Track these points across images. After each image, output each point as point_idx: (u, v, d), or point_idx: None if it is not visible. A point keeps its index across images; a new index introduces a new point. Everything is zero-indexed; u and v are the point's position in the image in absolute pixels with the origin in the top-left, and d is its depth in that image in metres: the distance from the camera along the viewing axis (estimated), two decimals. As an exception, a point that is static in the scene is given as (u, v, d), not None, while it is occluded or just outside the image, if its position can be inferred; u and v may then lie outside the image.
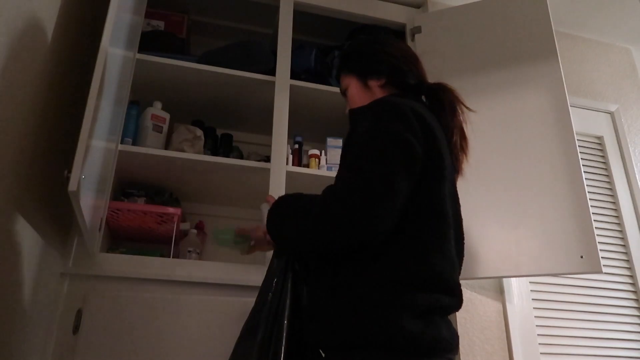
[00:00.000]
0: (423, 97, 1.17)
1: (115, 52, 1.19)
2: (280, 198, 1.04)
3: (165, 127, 1.71)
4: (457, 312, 1.63)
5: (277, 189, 1.60)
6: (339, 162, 1.04)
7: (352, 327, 0.85)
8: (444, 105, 1.10)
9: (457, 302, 0.97)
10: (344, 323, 0.86)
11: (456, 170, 1.09)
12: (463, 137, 1.10)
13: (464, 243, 1.06)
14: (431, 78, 1.90)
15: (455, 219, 1.03)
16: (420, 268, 0.90)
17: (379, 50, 1.17)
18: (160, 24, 1.88)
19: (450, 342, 0.89)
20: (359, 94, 1.16)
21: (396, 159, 0.89)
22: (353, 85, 1.17)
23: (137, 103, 1.71)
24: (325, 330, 0.88)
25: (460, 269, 1.05)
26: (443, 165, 0.97)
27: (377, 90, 1.14)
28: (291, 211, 0.97)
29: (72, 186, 0.91)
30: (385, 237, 0.88)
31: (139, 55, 1.64)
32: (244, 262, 1.54)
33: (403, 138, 0.91)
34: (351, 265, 0.90)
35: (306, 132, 1.97)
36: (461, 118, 1.09)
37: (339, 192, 0.88)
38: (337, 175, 0.97)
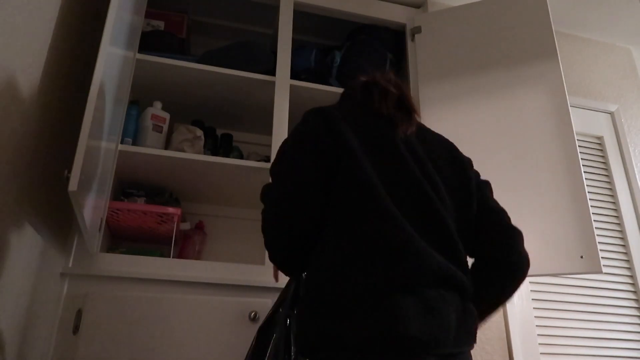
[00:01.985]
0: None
1: (115, 52, 1.19)
2: None
3: (165, 127, 1.71)
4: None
5: (277, 189, 1.60)
6: None
7: (315, 329, 0.83)
8: (362, 94, 1.11)
9: (419, 264, 0.83)
10: (307, 326, 0.86)
11: (400, 130, 1.02)
12: (382, 95, 1.08)
13: (433, 203, 0.93)
14: (431, 78, 1.91)
15: (407, 179, 0.94)
16: (352, 241, 0.85)
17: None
18: (160, 24, 1.88)
19: (415, 338, 0.76)
20: None
21: (295, 148, 0.99)
22: None
23: (137, 103, 1.71)
24: (298, 334, 0.90)
25: (434, 226, 0.92)
26: (346, 142, 0.94)
27: None
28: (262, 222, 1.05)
29: (72, 186, 0.91)
30: (317, 222, 0.92)
31: (139, 55, 1.64)
32: (244, 262, 1.54)
33: (297, 132, 1.01)
34: (310, 265, 0.93)
35: (306, 132, 1.97)
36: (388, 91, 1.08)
37: (265, 200, 1.03)
38: None
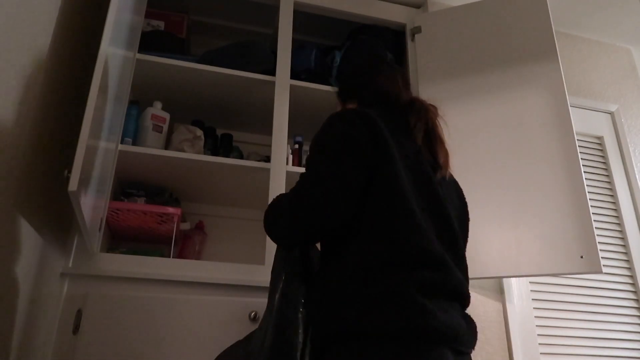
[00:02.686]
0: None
1: (115, 52, 1.19)
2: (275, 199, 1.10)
3: (165, 127, 1.71)
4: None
5: (277, 189, 1.60)
6: None
7: (340, 317, 0.88)
8: (412, 112, 1.17)
9: (444, 277, 0.93)
10: (330, 313, 0.89)
11: (437, 164, 1.13)
12: (433, 139, 1.16)
13: (452, 225, 1.05)
14: (431, 78, 1.91)
15: (432, 200, 1.04)
16: (386, 246, 0.92)
17: (355, 80, 1.28)
18: (160, 24, 1.88)
19: (441, 331, 0.85)
20: None
21: (338, 150, 0.98)
22: (338, 107, 1.30)
23: (137, 103, 1.71)
24: (319, 322, 0.92)
25: (452, 246, 1.03)
26: (388, 149, 1.01)
27: None
28: (272, 209, 1.05)
29: (72, 186, 0.91)
30: (348, 223, 0.95)
31: (139, 55, 1.64)
32: (244, 262, 1.54)
33: (342, 131, 1.01)
34: (333, 257, 0.97)
35: (306, 132, 1.97)
36: (428, 124, 1.16)
37: (296, 190, 0.97)
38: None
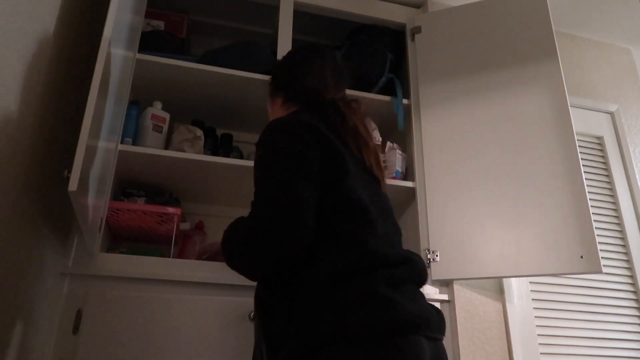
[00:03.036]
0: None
1: (115, 52, 1.19)
2: (235, 221, 1.05)
3: (165, 127, 1.71)
4: (456, 312, 1.65)
5: (277, 189, 1.60)
6: None
7: (308, 330, 0.86)
8: (334, 116, 1.13)
9: (409, 270, 0.97)
10: (307, 326, 0.87)
11: (366, 164, 1.12)
12: (359, 142, 1.12)
13: (397, 226, 1.12)
14: (431, 78, 1.91)
15: (379, 205, 1.07)
16: (352, 254, 0.93)
17: (282, 68, 1.25)
18: (160, 24, 1.88)
19: (413, 320, 0.87)
20: (270, 108, 1.27)
21: (291, 170, 0.94)
22: (267, 101, 1.28)
23: (137, 103, 1.71)
24: (295, 335, 0.88)
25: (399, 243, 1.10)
26: (343, 163, 1.00)
27: (277, 108, 1.22)
28: (228, 243, 1.00)
29: (72, 186, 0.91)
30: (309, 243, 0.91)
31: (139, 55, 1.64)
32: (244, 262, 1.54)
33: (290, 149, 0.97)
34: (293, 279, 0.93)
35: (306, 132, 1.97)
36: (351, 126, 1.12)
37: (252, 222, 0.92)
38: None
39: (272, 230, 0.89)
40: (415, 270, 0.98)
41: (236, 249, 0.96)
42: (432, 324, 0.91)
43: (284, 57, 1.30)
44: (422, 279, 1.01)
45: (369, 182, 1.08)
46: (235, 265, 0.97)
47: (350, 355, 0.82)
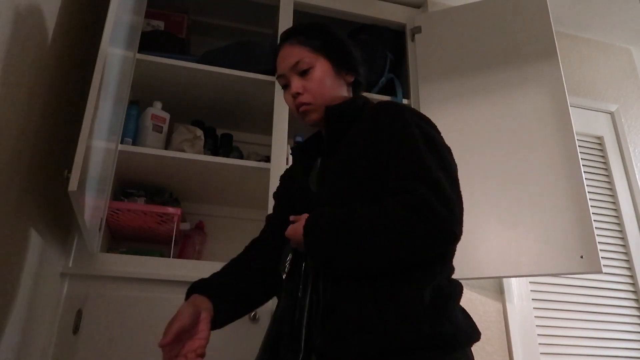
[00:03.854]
0: None
1: (115, 52, 1.19)
2: (319, 216, 0.91)
3: (165, 127, 1.71)
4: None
5: (277, 189, 1.60)
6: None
7: (407, 332, 0.81)
8: None
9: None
10: (397, 329, 0.81)
11: None
12: None
13: None
14: (431, 78, 1.91)
15: None
16: (448, 265, 0.98)
17: (352, 49, 1.12)
18: (160, 24, 1.88)
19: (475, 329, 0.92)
20: (330, 81, 1.05)
21: (453, 166, 0.97)
22: (323, 69, 1.05)
23: (137, 103, 1.71)
24: (377, 340, 0.82)
25: None
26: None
27: (341, 86, 1.08)
28: (351, 228, 0.87)
29: (72, 186, 0.91)
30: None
31: (139, 55, 1.64)
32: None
33: (448, 147, 0.99)
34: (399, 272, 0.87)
35: (306, 132, 1.97)
36: None
37: (437, 195, 0.86)
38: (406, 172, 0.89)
39: (458, 198, 0.91)
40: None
41: (414, 221, 0.84)
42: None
43: (345, 37, 1.12)
44: None
45: None
46: (369, 248, 0.85)
47: None
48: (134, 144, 1.62)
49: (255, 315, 1.39)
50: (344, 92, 1.09)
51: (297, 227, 0.91)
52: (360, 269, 0.86)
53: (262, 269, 1.09)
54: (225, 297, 1.02)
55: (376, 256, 0.85)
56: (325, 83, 1.04)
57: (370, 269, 0.86)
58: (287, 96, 1.07)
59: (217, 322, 0.99)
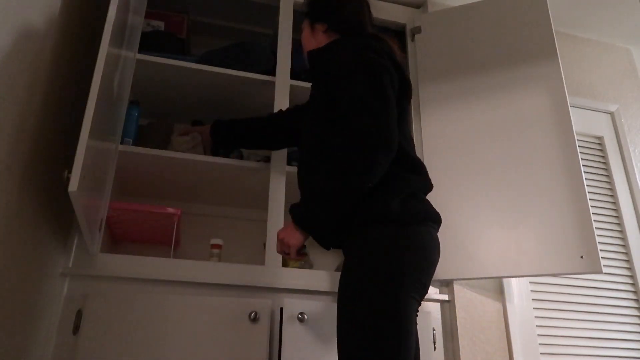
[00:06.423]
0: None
1: (115, 52, 1.19)
2: (293, 206, 1.14)
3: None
4: (456, 312, 1.65)
5: (277, 189, 1.60)
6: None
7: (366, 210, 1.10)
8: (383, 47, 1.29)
9: (425, 179, 1.23)
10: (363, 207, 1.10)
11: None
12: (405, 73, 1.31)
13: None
14: (431, 78, 1.91)
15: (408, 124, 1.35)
16: (406, 159, 1.17)
17: (327, 2, 1.37)
18: (160, 24, 1.88)
19: (430, 213, 1.16)
20: (307, 37, 1.37)
21: (382, 79, 1.11)
22: (306, 27, 1.38)
23: (137, 103, 1.71)
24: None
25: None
26: (408, 89, 1.24)
27: (318, 35, 1.34)
28: (312, 190, 1.11)
29: (72, 186, 0.91)
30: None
31: (139, 55, 1.64)
32: (244, 262, 1.54)
33: (382, 63, 1.14)
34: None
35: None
36: (399, 59, 1.31)
37: (366, 110, 1.09)
38: (339, 108, 1.13)
39: (385, 114, 1.08)
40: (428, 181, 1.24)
41: (361, 145, 1.07)
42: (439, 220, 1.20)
43: None
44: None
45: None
46: (335, 186, 1.07)
47: (391, 231, 1.07)
48: (134, 144, 1.62)
49: (255, 315, 1.39)
50: (324, 39, 1.33)
51: (285, 231, 1.13)
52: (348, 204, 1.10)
53: (277, 120, 1.56)
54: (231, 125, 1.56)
55: (347, 188, 1.07)
56: (305, 38, 1.38)
57: (354, 197, 1.09)
58: None
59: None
